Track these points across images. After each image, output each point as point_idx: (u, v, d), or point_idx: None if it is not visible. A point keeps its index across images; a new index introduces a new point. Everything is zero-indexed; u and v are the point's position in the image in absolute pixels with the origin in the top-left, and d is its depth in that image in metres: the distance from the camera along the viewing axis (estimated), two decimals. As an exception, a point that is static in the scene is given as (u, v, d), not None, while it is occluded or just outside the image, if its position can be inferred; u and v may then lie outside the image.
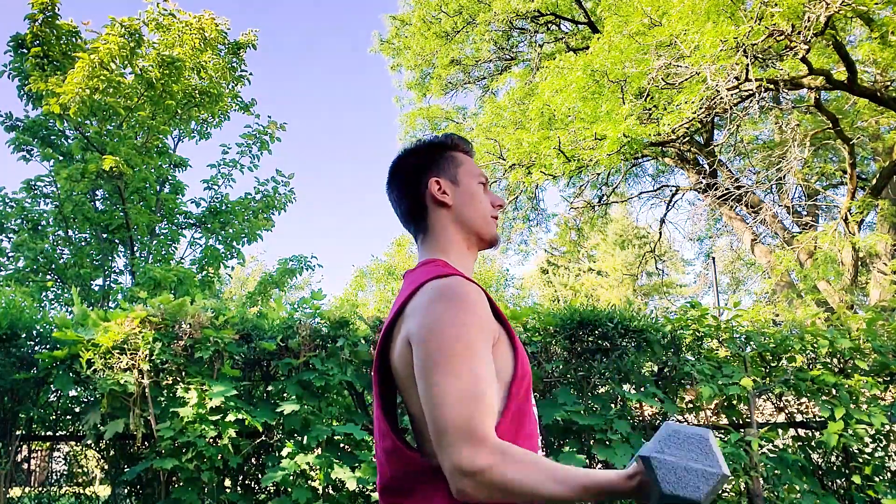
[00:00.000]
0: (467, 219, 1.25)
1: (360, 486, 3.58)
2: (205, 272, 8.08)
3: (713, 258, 17.21)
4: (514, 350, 1.11)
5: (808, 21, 6.30)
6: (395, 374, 1.13)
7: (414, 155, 1.30)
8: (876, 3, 6.26)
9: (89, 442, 3.67)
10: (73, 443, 4.03)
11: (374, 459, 3.55)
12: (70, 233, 7.86)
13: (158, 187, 8.21)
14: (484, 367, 1.02)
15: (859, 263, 9.95)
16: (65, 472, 4.10)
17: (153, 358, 3.54)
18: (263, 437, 3.77)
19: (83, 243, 7.83)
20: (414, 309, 1.09)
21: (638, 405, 4.18)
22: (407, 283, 1.20)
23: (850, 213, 8.90)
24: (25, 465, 4.03)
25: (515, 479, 0.94)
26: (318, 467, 3.54)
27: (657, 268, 15.85)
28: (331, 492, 3.66)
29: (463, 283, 1.09)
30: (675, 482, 0.95)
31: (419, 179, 1.26)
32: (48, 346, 3.76)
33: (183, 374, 3.64)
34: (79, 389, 3.84)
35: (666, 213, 12.62)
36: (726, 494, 4.03)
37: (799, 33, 6.51)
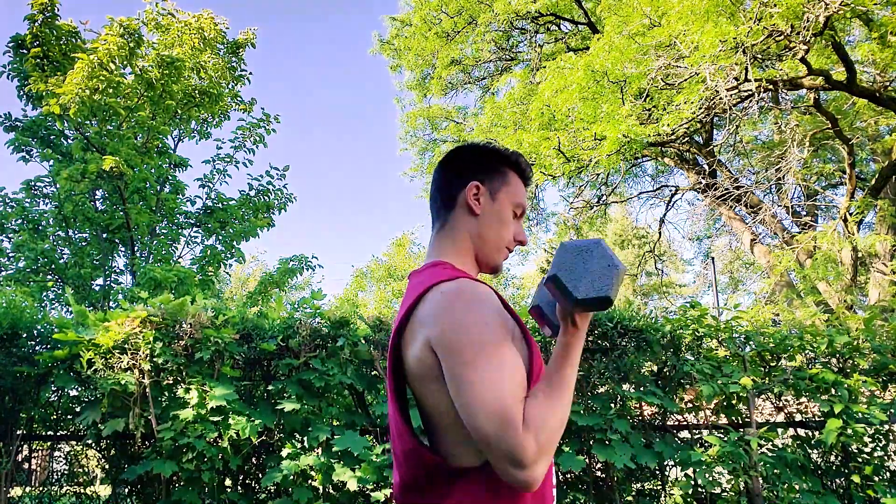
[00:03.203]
0: (484, 236, 1.24)
1: (361, 486, 3.59)
2: (205, 272, 8.08)
3: (712, 258, 17.23)
4: (528, 345, 1.13)
5: (807, 21, 6.31)
6: (411, 374, 1.13)
7: (474, 153, 1.29)
8: (875, 4, 6.27)
9: (90, 441, 3.67)
10: (73, 442, 4.03)
11: (375, 459, 3.56)
12: (70, 233, 7.86)
13: (158, 187, 8.21)
14: (514, 360, 1.04)
15: (858, 263, 9.96)
16: (65, 472, 4.10)
17: (154, 358, 3.55)
18: (264, 438, 3.78)
19: (83, 243, 7.83)
20: (431, 315, 1.09)
21: (638, 405, 4.19)
22: (413, 283, 1.20)
23: (850, 214, 8.91)
24: (26, 465, 4.04)
25: (553, 431, 1.00)
26: (318, 468, 3.55)
27: (657, 268, 15.85)
28: (331, 492, 3.67)
29: (473, 284, 1.10)
30: (585, 287, 1.01)
31: (464, 175, 1.26)
32: (49, 346, 3.77)
33: (183, 373, 3.65)
34: (79, 389, 3.85)
35: (665, 213, 12.64)
36: (726, 494, 4.03)
37: (798, 34, 6.51)
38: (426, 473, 1.10)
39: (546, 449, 0.98)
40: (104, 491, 4.02)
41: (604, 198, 12.32)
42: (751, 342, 4.26)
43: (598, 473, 4.08)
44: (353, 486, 3.52)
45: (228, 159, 8.57)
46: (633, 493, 4.14)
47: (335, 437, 3.63)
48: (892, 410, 4.08)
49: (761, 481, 3.92)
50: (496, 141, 9.80)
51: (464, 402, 1.00)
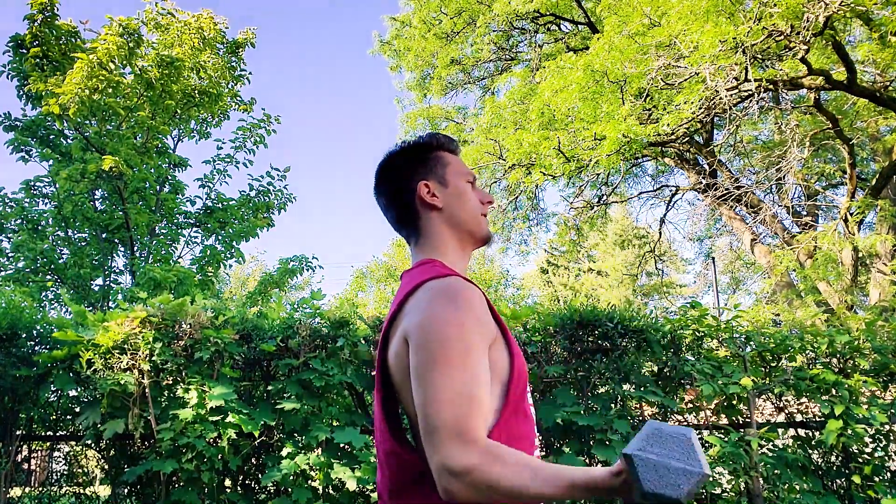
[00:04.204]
0: (459, 220, 1.25)
1: (360, 486, 3.58)
2: (204, 272, 8.08)
3: (713, 258, 17.23)
4: (510, 351, 1.12)
5: (807, 21, 6.31)
6: (392, 372, 1.13)
7: (400, 157, 1.29)
8: (875, 4, 6.26)
9: (89, 442, 3.67)
10: (73, 443, 4.03)
11: (373, 460, 3.55)
12: (70, 233, 7.85)
13: (158, 187, 8.21)
14: (480, 368, 1.02)
15: (859, 264, 9.95)
16: (65, 472, 4.10)
17: (153, 358, 3.54)
18: (263, 438, 3.78)
19: (83, 243, 7.83)
20: (412, 307, 1.09)
21: (638, 405, 4.18)
22: (405, 282, 1.20)
23: (850, 214, 8.90)
24: (25, 465, 4.03)
25: (503, 479, 0.93)
26: (318, 467, 3.55)
27: (657, 268, 15.85)
28: (331, 492, 3.66)
29: (462, 284, 1.09)
30: (657, 480, 0.94)
31: (408, 183, 1.26)
32: (48, 346, 3.76)
33: (183, 374, 3.64)
34: (79, 389, 3.84)
35: (666, 213, 12.63)
36: (726, 494, 4.03)
37: (798, 34, 6.51)
38: (406, 475, 1.09)
39: (480, 482, 0.92)
40: (104, 491, 4.01)
41: (604, 198, 12.31)
42: (751, 342, 4.25)
43: (599, 474, 4.07)
44: (352, 485, 3.52)
45: (229, 159, 8.57)
46: (634, 494, 4.13)
47: (336, 434, 3.63)
48: (892, 411, 4.08)
49: (762, 481, 3.91)
50: (495, 141, 9.80)
51: (421, 396, 0.99)
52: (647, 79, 7.26)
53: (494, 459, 0.94)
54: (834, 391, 4.07)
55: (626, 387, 4.03)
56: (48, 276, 7.40)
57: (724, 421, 4.25)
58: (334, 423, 3.84)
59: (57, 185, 7.42)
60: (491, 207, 1.31)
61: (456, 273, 1.15)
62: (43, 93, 6.90)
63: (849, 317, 4.63)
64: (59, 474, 4.17)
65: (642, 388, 3.97)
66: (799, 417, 4.38)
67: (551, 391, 3.97)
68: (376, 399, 1.19)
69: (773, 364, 4.31)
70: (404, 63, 13.80)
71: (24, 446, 3.94)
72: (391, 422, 1.16)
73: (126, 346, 3.52)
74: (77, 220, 7.58)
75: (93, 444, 3.79)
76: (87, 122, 7.45)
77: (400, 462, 1.11)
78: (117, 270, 8.07)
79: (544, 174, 8.64)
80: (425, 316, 1.04)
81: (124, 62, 7.25)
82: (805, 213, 11.82)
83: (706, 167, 11.29)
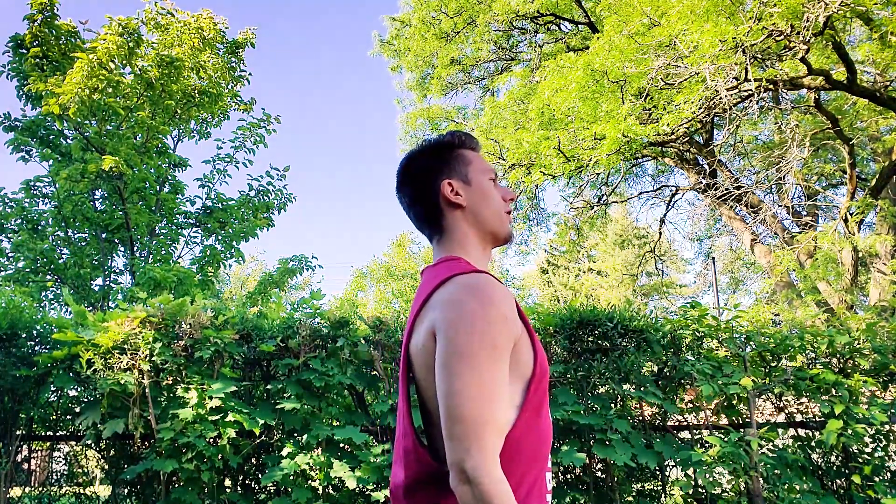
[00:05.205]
0: (482, 218, 1.25)
1: (360, 485, 3.58)
2: (204, 272, 8.07)
3: (713, 258, 17.23)
4: (534, 350, 1.12)
5: (807, 21, 6.30)
6: (415, 364, 1.13)
7: (422, 157, 1.29)
8: (875, 3, 6.26)
9: (89, 442, 3.67)
10: (73, 443, 4.03)
11: (373, 460, 3.55)
12: (69, 233, 7.84)
13: (158, 187, 8.20)
14: (502, 367, 1.03)
15: (859, 264, 9.95)
16: (65, 472, 4.10)
17: (153, 358, 3.54)
18: (263, 437, 3.78)
19: (83, 243, 7.82)
20: (441, 301, 1.09)
21: (638, 405, 4.18)
22: (429, 277, 1.20)
23: (850, 214, 8.90)
24: (26, 465, 4.03)
25: None
26: (318, 467, 3.55)
27: (657, 268, 15.85)
28: (331, 491, 3.66)
29: (490, 280, 1.10)
30: None
31: (431, 182, 1.26)
32: (48, 347, 3.76)
33: (183, 374, 3.64)
34: (79, 389, 3.85)
35: (666, 213, 12.62)
36: (726, 494, 4.03)
37: (798, 33, 6.51)
38: (424, 474, 1.10)
39: (486, 496, 0.95)
40: (104, 491, 4.01)
41: (604, 198, 12.31)
42: (751, 342, 4.25)
43: (599, 473, 4.08)
44: (352, 484, 3.52)
45: (228, 159, 8.56)
46: (634, 493, 4.13)
47: (336, 431, 3.63)
48: (892, 411, 4.08)
49: (762, 482, 3.91)
50: (495, 141, 9.80)
51: (445, 387, 1.00)
52: (647, 78, 7.26)
53: (499, 490, 0.95)
54: (834, 391, 4.07)
55: (626, 387, 4.03)
56: (48, 276, 7.39)
57: (724, 421, 4.25)
58: (334, 423, 3.84)
59: (57, 185, 7.42)
60: (512, 203, 1.30)
61: (484, 270, 1.16)
62: (43, 93, 6.89)
63: (849, 317, 4.63)
64: (59, 474, 4.17)
65: (642, 388, 3.97)
66: (799, 417, 4.38)
67: (551, 391, 3.97)
68: (402, 394, 1.19)
69: (773, 364, 4.31)
70: (404, 63, 13.80)
71: (24, 446, 3.94)
72: (415, 418, 1.17)
73: (126, 346, 3.52)
74: (77, 220, 7.58)
75: (93, 444, 3.79)
76: (87, 122, 7.45)
77: (419, 460, 1.11)
78: (117, 270, 8.06)
79: (544, 174, 8.64)
80: (455, 309, 1.05)
81: (124, 62, 7.24)
82: (805, 213, 11.82)
83: (706, 167, 11.28)
